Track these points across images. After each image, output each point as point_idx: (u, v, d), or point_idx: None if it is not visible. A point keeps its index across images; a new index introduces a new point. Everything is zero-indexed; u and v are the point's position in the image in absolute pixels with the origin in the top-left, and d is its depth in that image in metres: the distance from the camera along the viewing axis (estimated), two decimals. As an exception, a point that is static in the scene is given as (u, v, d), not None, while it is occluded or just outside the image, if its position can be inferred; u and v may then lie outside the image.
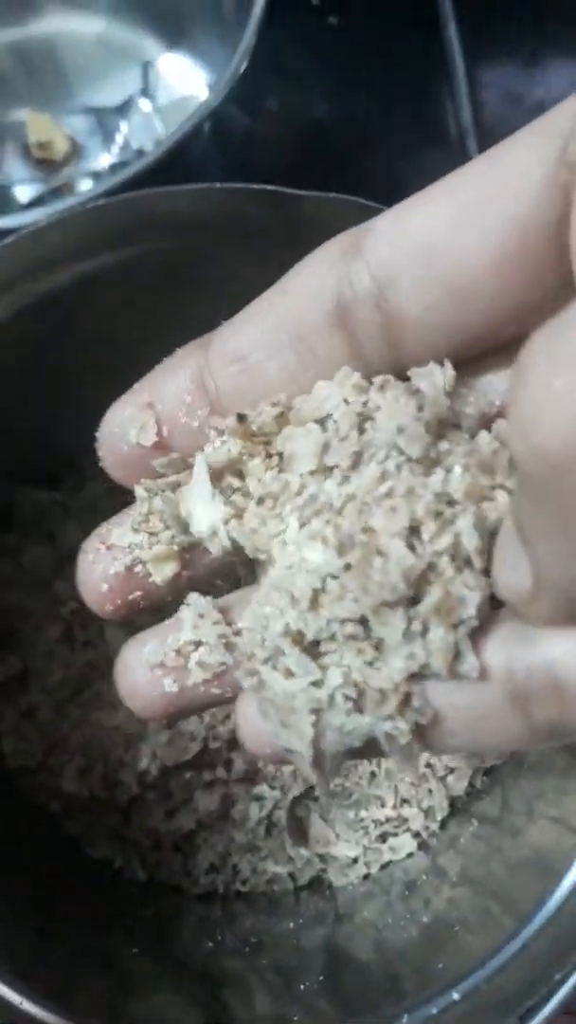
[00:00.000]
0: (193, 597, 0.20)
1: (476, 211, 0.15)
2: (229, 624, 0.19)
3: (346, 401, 0.17)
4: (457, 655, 0.16)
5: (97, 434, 0.19)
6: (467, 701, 0.16)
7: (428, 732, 0.16)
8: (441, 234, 0.15)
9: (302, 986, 0.33)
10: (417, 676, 0.16)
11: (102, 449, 0.19)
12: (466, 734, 0.16)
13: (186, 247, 0.32)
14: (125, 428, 0.19)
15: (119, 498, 0.46)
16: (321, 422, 0.17)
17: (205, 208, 0.30)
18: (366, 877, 0.41)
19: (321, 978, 0.35)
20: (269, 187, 0.29)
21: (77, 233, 0.31)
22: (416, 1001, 0.28)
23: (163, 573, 0.19)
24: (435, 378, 0.16)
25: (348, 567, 0.16)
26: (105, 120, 0.58)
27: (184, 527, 0.19)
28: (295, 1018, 0.31)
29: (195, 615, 0.19)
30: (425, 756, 0.42)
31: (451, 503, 0.16)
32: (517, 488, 0.14)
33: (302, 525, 0.17)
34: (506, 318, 0.16)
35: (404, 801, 0.42)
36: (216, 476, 0.19)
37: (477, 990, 0.27)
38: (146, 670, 0.19)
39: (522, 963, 0.27)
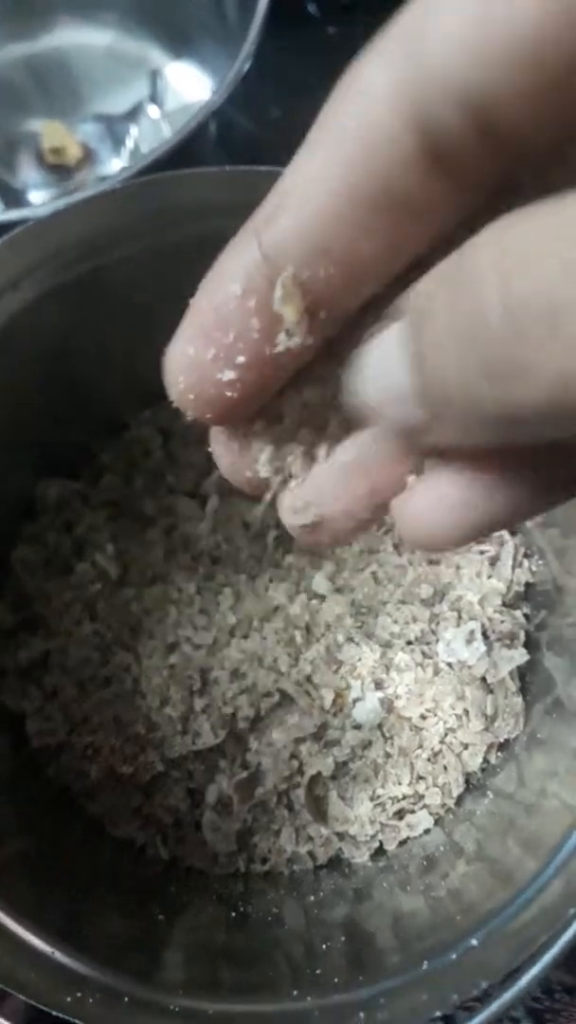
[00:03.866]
0: None
1: None
2: None
3: None
4: None
5: (166, 379, 0.16)
6: None
7: None
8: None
9: (324, 946, 0.34)
10: None
11: (180, 397, 0.16)
12: None
13: (205, 231, 0.32)
14: (198, 365, 0.15)
15: (134, 489, 0.47)
16: None
17: (222, 191, 0.31)
18: (384, 854, 0.42)
19: (342, 944, 0.35)
20: (281, 169, 0.30)
21: (96, 218, 0.32)
22: (435, 951, 0.29)
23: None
24: None
25: None
26: (115, 126, 0.60)
27: None
28: (317, 971, 0.31)
29: None
30: (439, 733, 0.42)
31: None
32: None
33: None
34: None
35: (420, 778, 0.42)
36: None
37: (493, 935, 0.27)
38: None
39: (538, 903, 0.27)
